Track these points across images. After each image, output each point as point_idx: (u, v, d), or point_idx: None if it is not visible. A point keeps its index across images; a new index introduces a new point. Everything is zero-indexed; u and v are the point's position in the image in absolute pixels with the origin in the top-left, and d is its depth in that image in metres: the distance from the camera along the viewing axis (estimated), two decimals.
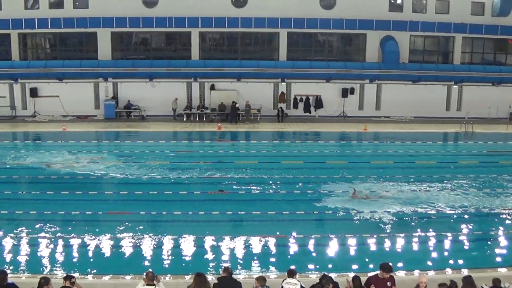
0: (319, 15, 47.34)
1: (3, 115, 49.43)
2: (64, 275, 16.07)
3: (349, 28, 48.11)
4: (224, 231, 23.64)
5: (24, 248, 22.25)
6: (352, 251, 21.92)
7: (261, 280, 15.13)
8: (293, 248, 22.18)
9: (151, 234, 23.15)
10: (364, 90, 49.54)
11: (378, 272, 15.28)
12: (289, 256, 21.43)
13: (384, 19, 48.13)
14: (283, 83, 48.49)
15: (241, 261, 20.54)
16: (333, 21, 47.54)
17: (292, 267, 16.52)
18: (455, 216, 25.60)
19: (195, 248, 22.05)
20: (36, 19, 48.06)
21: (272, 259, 20.80)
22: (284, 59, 48.69)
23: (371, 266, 19.13)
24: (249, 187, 29.43)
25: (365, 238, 22.83)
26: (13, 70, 48.49)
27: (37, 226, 24.33)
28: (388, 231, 23.77)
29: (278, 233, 23.75)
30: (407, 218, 25.47)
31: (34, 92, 49.23)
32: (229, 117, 47.82)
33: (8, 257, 21.21)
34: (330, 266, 20.13)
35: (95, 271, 19.69)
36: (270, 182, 30.18)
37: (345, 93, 48.52)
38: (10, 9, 47.99)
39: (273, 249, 21.87)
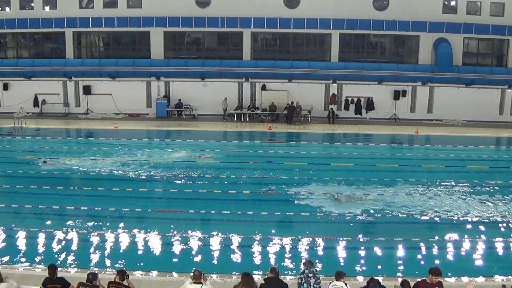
0: (372, 16, 47.96)
1: (57, 112, 51.30)
2: (115, 270, 16.35)
3: (402, 30, 48.57)
4: (272, 232, 23.86)
5: (74, 243, 22.99)
6: (401, 255, 21.87)
7: (308, 264, 15.84)
8: (341, 250, 22.16)
9: (199, 233, 23.69)
10: (416, 93, 49.99)
11: (426, 277, 15.14)
12: (336, 258, 21.43)
13: (438, 21, 48.69)
14: (334, 85, 49.29)
15: (288, 262, 20.62)
16: (386, 22, 48.15)
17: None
18: (506, 222, 25.18)
19: (243, 247, 22.32)
20: (90, 18, 50.24)
21: (320, 261, 20.82)
22: (336, 60, 49.64)
23: (417, 271, 18.92)
24: (298, 188, 29.42)
25: (415, 243, 22.86)
26: (67, 68, 50.85)
27: (87, 221, 25.13)
28: (436, 235, 23.77)
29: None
30: (455, 223, 25.37)
31: (87, 90, 51.59)
32: (284, 117, 49.01)
33: (57, 252, 22.01)
34: (377, 269, 20.03)
35: (140, 265, 20.51)
36: (320, 184, 30.06)
37: (397, 95, 48.89)
38: (65, 8, 50.45)
39: (321, 251, 21.96)
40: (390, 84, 49.25)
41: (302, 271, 15.92)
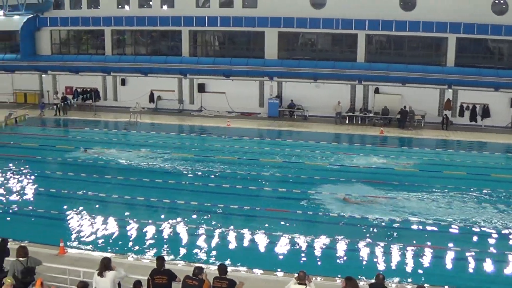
0: (490, 20, 48.37)
1: (171, 108, 54.76)
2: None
3: None
4: (380, 238, 24.88)
5: (183, 237, 25.36)
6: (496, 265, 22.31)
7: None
8: (450, 259, 22.71)
9: (305, 234, 24.73)
10: None
11: None
12: (445, 268, 21.95)
13: None
14: (449, 90, 49.27)
15: (394, 269, 21.46)
16: (505, 27, 47.97)
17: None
18: None
19: (349, 251, 23.49)
20: (206, 17, 53.49)
21: (425, 270, 21.52)
22: (451, 65, 50.33)
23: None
24: (408, 195, 30.05)
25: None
26: (183, 66, 54.51)
27: (195, 216, 27.53)
28: None
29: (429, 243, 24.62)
30: None
31: (201, 88, 55.17)
32: (397, 121, 49.99)
33: (166, 245, 24.25)
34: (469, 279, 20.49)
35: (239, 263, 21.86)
36: (431, 191, 30.53)
37: None
38: (182, 7, 54.24)
39: (427, 259, 22.64)
40: (507, 91, 49.17)
41: None
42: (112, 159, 37.89)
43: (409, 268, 21.96)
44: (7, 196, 30.81)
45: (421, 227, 26.28)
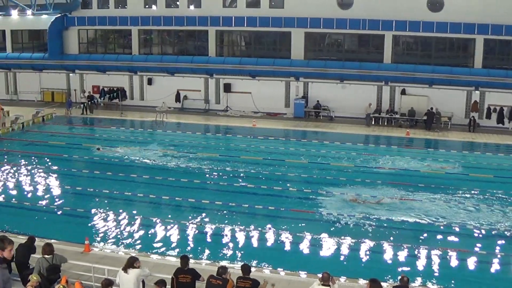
0: None
1: (197, 107, 55.23)
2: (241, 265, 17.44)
3: None
4: (404, 240, 24.96)
5: (207, 236, 25.49)
6: None
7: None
8: (475, 263, 22.66)
9: (330, 235, 24.59)
10: None
11: None
12: (470, 272, 21.89)
13: None
14: (476, 92, 48.78)
15: (419, 272, 21.36)
16: None
17: None
18: None
19: (373, 253, 23.45)
20: (233, 18, 53.69)
21: (449, 273, 21.50)
22: (479, 67, 49.73)
23: None
24: (434, 197, 29.93)
25: None
26: (209, 66, 54.76)
27: (221, 216, 27.71)
28: None
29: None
30: None
31: (227, 88, 55.32)
32: (423, 123, 49.53)
33: (191, 244, 24.53)
34: None
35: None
36: (457, 194, 30.29)
37: None
38: (209, 7, 54.53)
39: (452, 263, 22.65)
40: None
41: None
42: (137, 158, 38.31)
43: (433, 271, 21.88)
44: (34, 194, 31.36)
45: (446, 230, 26.15)
